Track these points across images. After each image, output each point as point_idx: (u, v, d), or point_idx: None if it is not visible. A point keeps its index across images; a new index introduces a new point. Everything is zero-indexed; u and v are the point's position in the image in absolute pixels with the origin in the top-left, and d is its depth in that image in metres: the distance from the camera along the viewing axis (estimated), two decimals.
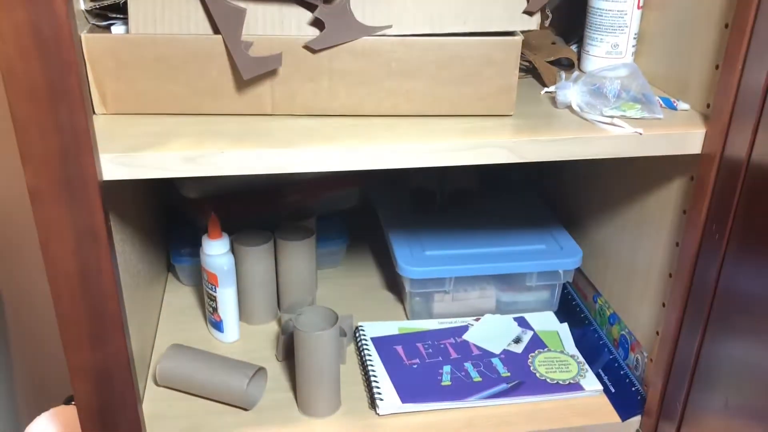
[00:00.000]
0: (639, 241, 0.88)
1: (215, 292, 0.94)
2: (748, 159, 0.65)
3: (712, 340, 0.71)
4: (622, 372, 0.91)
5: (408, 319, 1.02)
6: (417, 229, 1.05)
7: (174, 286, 1.09)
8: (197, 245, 1.06)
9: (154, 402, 0.86)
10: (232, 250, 0.94)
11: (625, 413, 0.86)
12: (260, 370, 0.87)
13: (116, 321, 0.65)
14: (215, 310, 0.95)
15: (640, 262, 0.88)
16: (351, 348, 0.96)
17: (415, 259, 0.97)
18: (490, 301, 1.02)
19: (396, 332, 0.98)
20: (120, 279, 0.66)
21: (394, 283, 1.10)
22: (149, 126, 0.68)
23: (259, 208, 1.07)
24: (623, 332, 0.93)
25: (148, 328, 0.91)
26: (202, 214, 1.03)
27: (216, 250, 0.92)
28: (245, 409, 0.85)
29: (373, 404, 0.86)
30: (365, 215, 1.30)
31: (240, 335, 0.98)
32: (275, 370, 0.92)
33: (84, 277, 0.63)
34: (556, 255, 0.98)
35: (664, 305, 0.83)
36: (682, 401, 0.77)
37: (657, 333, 0.85)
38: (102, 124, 0.66)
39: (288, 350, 0.93)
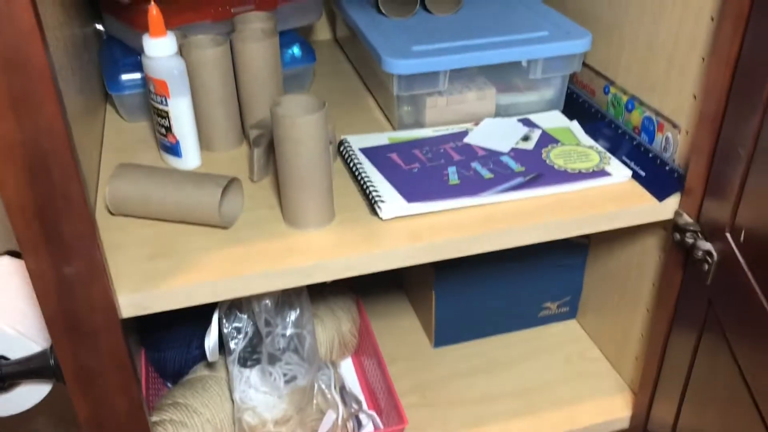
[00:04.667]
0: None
1: (167, 105, 0.77)
2: None
3: None
4: (650, 155, 0.80)
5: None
6: (399, 25, 0.90)
7: (116, 124, 0.92)
8: (138, 70, 0.89)
9: (108, 231, 0.71)
10: (182, 56, 0.78)
11: (661, 193, 0.75)
12: (234, 182, 0.72)
13: (44, 76, 0.49)
14: (169, 130, 0.79)
15: (668, 17, 0.75)
16: (337, 165, 0.82)
17: (402, 53, 0.82)
18: (489, 104, 0.88)
19: (386, 142, 0.84)
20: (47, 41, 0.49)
21: (375, 103, 0.96)
22: None
23: (206, 15, 0.89)
24: (646, 114, 0.81)
25: (89, 164, 0.74)
26: (140, 21, 0.85)
27: (162, 51, 0.75)
28: (222, 229, 0.71)
29: (373, 209, 0.73)
30: (328, 38, 1.16)
31: (202, 162, 0.83)
32: (250, 190, 0.77)
33: None
34: (562, 38, 0.85)
35: (703, 59, 0.71)
36: (742, 172, 0.65)
37: (694, 97, 0.73)
38: None
39: (263, 168, 0.79)
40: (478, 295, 1.00)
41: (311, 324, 0.84)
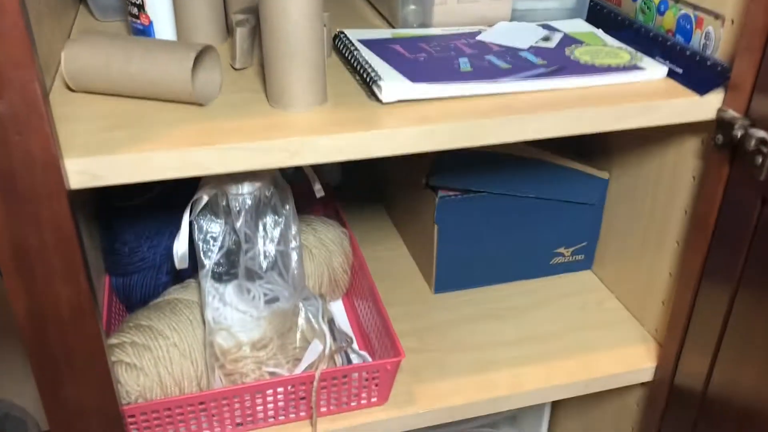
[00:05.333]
0: None
1: None
2: None
3: None
4: (687, 53, 0.70)
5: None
6: None
7: (87, 23, 0.82)
8: None
9: (62, 106, 0.61)
10: None
11: (703, 87, 0.65)
12: (210, 50, 0.62)
13: None
14: (141, 8, 0.69)
15: None
16: (331, 61, 0.72)
17: None
18: (505, 6, 0.79)
19: (389, 37, 0.74)
20: None
21: (374, 11, 0.86)
22: None
23: None
24: (682, 12, 0.72)
25: (50, 53, 0.64)
26: None
27: None
28: (196, 107, 0.61)
29: (372, 92, 0.63)
30: None
31: None
32: (231, 77, 0.68)
33: None
34: None
35: None
36: None
37: None
38: None
39: (247, 53, 0.69)
40: (484, 234, 0.90)
41: (298, 242, 0.73)
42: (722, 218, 0.68)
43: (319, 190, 0.75)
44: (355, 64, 0.67)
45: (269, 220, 0.70)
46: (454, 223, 0.88)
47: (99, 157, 0.52)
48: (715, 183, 0.68)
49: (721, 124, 0.64)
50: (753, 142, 0.59)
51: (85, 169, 0.53)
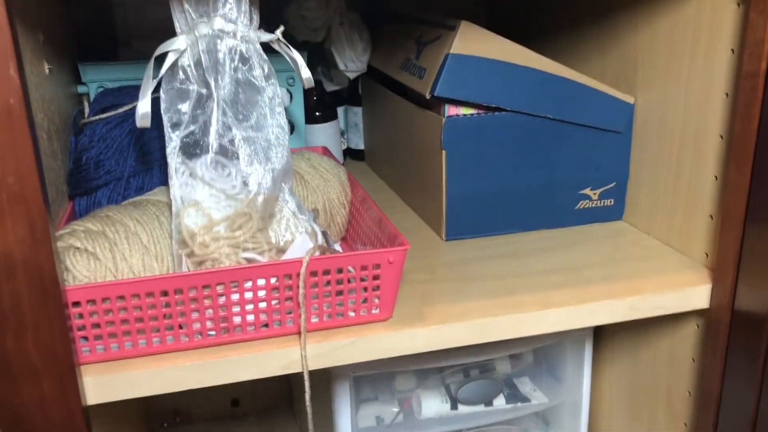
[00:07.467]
0: None
1: None
2: None
3: None
4: None
5: None
6: None
7: None
8: None
9: None
10: None
11: None
12: None
13: None
14: None
15: None
16: None
17: None
18: None
19: None
20: None
21: None
22: None
23: None
24: None
25: None
26: None
27: None
28: None
29: None
30: None
31: None
32: None
33: None
34: None
35: None
36: None
37: None
38: None
39: None
40: (499, 165, 0.80)
41: (284, 131, 0.63)
42: None
43: (308, 80, 0.66)
44: None
45: (248, 92, 0.61)
46: (464, 148, 0.78)
47: None
48: (761, 28, 0.59)
49: None
50: None
51: None
